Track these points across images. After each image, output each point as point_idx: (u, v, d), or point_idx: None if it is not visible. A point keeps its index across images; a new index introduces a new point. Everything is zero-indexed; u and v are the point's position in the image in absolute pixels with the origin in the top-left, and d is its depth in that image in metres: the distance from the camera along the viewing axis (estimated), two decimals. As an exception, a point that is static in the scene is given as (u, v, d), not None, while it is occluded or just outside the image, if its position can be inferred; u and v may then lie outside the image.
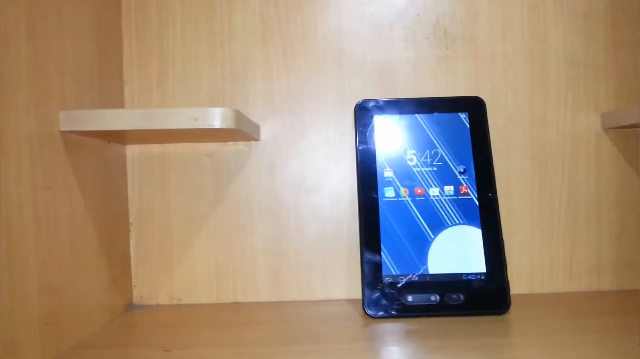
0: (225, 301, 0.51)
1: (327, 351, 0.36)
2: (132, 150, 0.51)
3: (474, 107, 0.49)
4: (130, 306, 0.50)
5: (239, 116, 0.40)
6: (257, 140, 0.50)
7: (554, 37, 0.51)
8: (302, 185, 0.51)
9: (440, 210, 0.47)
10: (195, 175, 0.51)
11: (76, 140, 0.40)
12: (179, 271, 0.51)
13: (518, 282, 0.51)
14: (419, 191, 0.48)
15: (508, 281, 0.45)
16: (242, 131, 0.41)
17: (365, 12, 0.51)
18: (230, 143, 0.51)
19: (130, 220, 0.51)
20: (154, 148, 0.51)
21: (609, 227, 0.51)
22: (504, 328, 0.41)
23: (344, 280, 0.51)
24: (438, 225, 0.47)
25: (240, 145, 0.51)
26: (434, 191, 0.48)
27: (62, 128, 0.38)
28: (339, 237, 0.51)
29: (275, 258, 0.51)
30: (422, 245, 0.46)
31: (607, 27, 0.51)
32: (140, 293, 0.51)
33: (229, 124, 0.39)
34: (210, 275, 0.51)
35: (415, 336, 0.39)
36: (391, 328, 0.42)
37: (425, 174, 0.48)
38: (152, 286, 0.51)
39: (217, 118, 0.38)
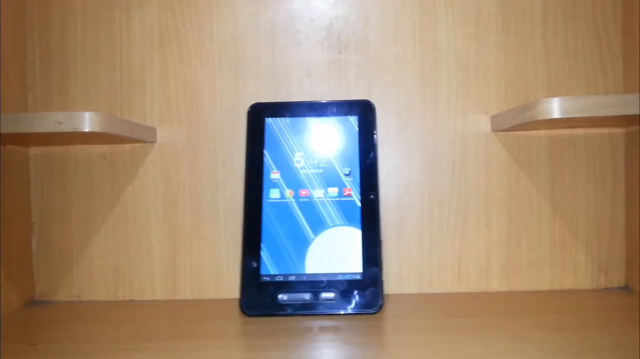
0: (122, 299, 0.54)
1: (183, 348, 0.39)
2: (35, 152, 0.54)
3: (364, 111, 0.51)
4: (31, 302, 0.53)
5: (106, 119, 0.42)
6: (152, 142, 0.53)
7: (445, 41, 0.53)
8: (198, 187, 0.53)
9: (323, 211, 0.49)
10: (94, 176, 0.53)
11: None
12: (78, 269, 0.54)
13: (408, 282, 0.53)
14: (303, 192, 0.50)
15: (382, 281, 0.47)
16: (111, 134, 0.43)
17: (260, 17, 0.53)
18: (128, 145, 0.53)
19: (33, 219, 0.54)
20: (55, 150, 0.54)
21: (498, 229, 0.53)
22: (369, 326, 0.43)
23: (237, 280, 0.53)
24: (319, 225, 0.49)
25: (137, 147, 0.53)
26: (318, 193, 0.50)
27: (-63, 132, 0.41)
28: (233, 238, 0.53)
29: (170, 258, 0.53)
30: (302, 246, 0.49)
31: (498, 31, 0.52)
32: (42, 289, 0.54)
33: (95, 128, 0.41)
34: (107, 273, 0.54)
35: (280, 334, 0.41)
36: (263, 326, 0.44)
37: (311, 176, 0.50)
38: (53, 283, 0.54)
39: (81, 122, 0.41)
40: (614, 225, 0.52)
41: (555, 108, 0.41)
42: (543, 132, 0.52)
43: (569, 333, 0.40)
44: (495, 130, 0.52)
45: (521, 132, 0.52)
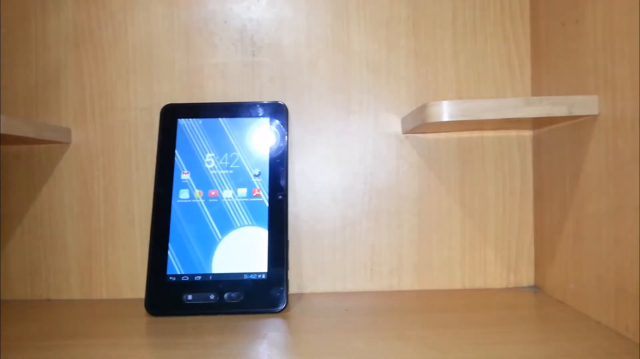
0: (39, 298, 0.55)
1: (71, 346, 0.40)
2: (-50, 152, 0.55)
3: (275, 112, 0.53)
4: (-53, 302, 0.54)
5: (6, 121, 0.44)
6: (67, 142, 0.54)
7: (357, 44, 0.54)
8: (112, 187, 0.54)
9: (232, 211, 0.51)
10: (9, 176, 0.54)
11: None
12: (-6, 268, 0.55)
13: (322, 281, 0.54)
14: (212, 193, 0.51)
15: (287, 280, 0.49)
16: (13, 135, 0.44)
17: (174, 18, 0.54)
18: (43, 145, 0.54)
19: (-53, 219, 0.54)
20: (-29, 150, 0.55)
21: (409, 229, 0.54)
22: (268, 325, 0.44)
23: (151, 279, 0.54)
24: (227, 226, 0.51)
25: (52, 148, 0.54)
26: (227, 194, 0.51)
27: None
28: (147, 237, 0.54)
29: (86, 258, 0.54)
30: (209, 246, 0.50)
31: (409, 35, 0.54)
32: (-42, 289, 0.55)
33: (-9, 129, 0.42)
34: (24, 272, 0.55)
35: (178, 333, 0.43)
36: (165, 326, 0.45)
37: (221, 177, 0.52)
38: (-31, 283, 0.55)
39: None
40: (523, 225, 0.54)
41: (442, 111, 0.42)
42: (453, 134, 0.54)
43: (457, 330, 0.41)
44: (404, 132, 0.54)
45: (431, 134, 0.54)
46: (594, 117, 0.42)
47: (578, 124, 0.44)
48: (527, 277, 0.54)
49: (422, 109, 0.44)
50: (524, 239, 0.54)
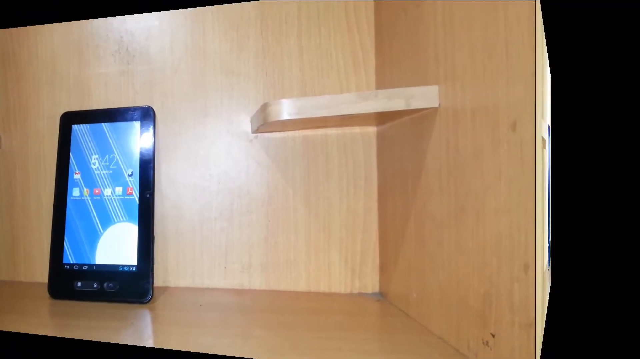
0: None
1: None
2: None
3: (144, 116, 0.59)
4: None
5: None
6: None
7: (212, 47, 0.57)
8: (28, 187, 0.67)
9: (111, 208, 0.60)
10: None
11: None
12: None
13: (184, 276, 0.60)
14: (97, 191, 0.61)
15: (153, 273, 0.56)
16: None
17: (69, 35, 0.63)
18: (-9, 148, 0.69)
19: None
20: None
21: (258, 229, 0.57)
22: (137, 314, 0.51)
23: (74, 257, 0.67)
24: (107, 221, 0.60)
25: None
26: (107, 192, 0.60)
27: None
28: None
29: (11, 248, 0.68)
30: (94, 239, 0.60)
31: (257, 35, 0.55)
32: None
33: None
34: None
35: (72, 315, 0.51)
36: (60, 308, 0.54)
37: (103, 176, 0.61)
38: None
39: None
40: (367, 226, 0.53)
41: (280, 110, 0.42)
42: (298, 133, 0.55)
43: (297, 333, 0.43)
44: (253, 132, 0.56)
45: (278, 133, 0.55)
46: (435, 110, 0.39)
47: (419, 118, 0.41)
48: (372, 283, 0.54)
49: (263, 109, 0.45)
50: (369, 242, 0.54)
